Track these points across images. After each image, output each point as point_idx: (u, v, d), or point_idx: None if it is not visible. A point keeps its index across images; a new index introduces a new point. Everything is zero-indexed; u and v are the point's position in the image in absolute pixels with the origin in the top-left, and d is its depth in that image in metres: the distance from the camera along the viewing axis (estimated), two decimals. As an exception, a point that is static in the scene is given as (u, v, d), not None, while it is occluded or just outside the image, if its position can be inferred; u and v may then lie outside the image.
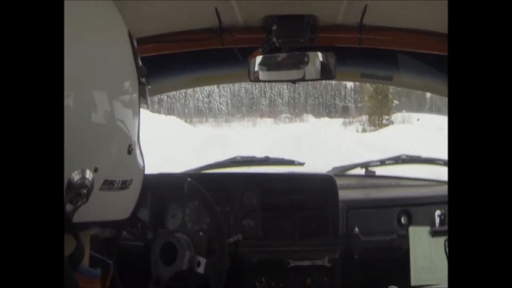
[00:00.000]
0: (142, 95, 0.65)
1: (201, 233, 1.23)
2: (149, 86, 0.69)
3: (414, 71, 1.44)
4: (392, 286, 1.24)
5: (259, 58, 1.25)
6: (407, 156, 1.85)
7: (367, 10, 1.12)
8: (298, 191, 1.48)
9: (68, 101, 0.52)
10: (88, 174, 0.55)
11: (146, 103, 0.68)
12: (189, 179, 1.22)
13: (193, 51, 1.31)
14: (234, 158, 1.86)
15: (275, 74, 1.26)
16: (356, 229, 1.40)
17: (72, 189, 0.53)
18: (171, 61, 1.37)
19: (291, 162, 1.85)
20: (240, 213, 1.47)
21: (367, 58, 1.41)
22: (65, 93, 0.51)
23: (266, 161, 1.86)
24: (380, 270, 1.38)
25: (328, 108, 49.23)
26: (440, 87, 1.40)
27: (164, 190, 1.44)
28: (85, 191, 0.54)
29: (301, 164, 1.83)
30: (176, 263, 1.14)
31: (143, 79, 0.65)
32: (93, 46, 0.56)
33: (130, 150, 0.61)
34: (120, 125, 0.60)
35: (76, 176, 0.54)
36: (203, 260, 1.15)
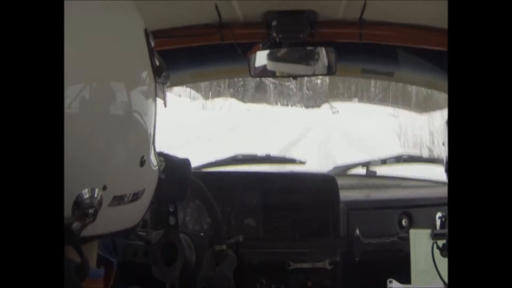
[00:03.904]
0: (160, 95, 0.63)
1: (201, 234, 1.23)
2: (168, 84, 0.66)
3: (415, 67, 1.43)
4: (391, 279, 1.23)
5: (259, 54, 1.24)
6: (408, 155, 1.85)
7: (367, 5, 1.11)
8: (300, 191, 1.47)
9: (77, 114, 0.50)
10: (97, 193, 0.53)
11: (164, 103, 0.65)
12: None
13: (193, 47, 1.31)
14: (235, 156, 1.86)
15: (275, 70, 1.26)
16: (357, 231, 1.39)
17: (79, 208, 0.52)
18: (171, 56, 1.36)
19: (292, 161, 1.85)
20: (241, 213, 1.46)
21: (368, 54, 1.41)
22: (74, 107, 0.50)
23: (267, 159, 1.86)
24: (381, 273, 1.37)
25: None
26: (440, 83, 1.39)
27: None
28: (93, 211, 0.52)
29: (302, 162, 1.83)
30: (176, 263, 1.13)
31: (162, 77, 0.63)
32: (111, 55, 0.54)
33: (142, 162, 0.59)
34: (134, 139, 0.57)
35: (84, 195, 0.52)
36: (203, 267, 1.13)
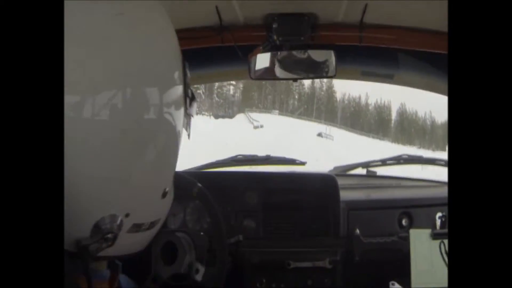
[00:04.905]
0: (186, 126, 0.63)
1: (202, 233, 1.23)
2: (194, 117, 0.66)
3: (415, 69, 1.43)
4: (393, 282, 1.23)
5: (259, 56, 1.25)
6: (408, 156, 1.84)
7: (367, 8, 1.11)
8: (300, 191, 1.47)
9: (114, 140, 0.51)
10: (118, 220, 0.54)
11: (188, 135, 0.65)
12: (189, 177, 1.21)
13: (193, 49, 1.31)
14: (235, 156, 1.86)
15: (275, 72, 1.26)
16: (357, 231, 1.39)
17: (99, 232, 0.53)
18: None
19: (292, 161, 1.85)
20: (241, 213, 1.46)
21: (368, 57, 1.40)
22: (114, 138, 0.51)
23: (267, 160, 1.85)
24: (381, 273, 1.37)
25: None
26: (441, 86, 1.39)
27: None
28: (112, 236, 0.54)
29: (302, 163, 1.82)
30: (176, 263, 1.13)
31: (190, 109, 0.63)
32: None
33: (165, 194, 0.60)
34: (160, 170, 0.58)
35: (106, 219, 0.53)
36: (202, 269, 1.14)
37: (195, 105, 0.65)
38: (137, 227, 0.58)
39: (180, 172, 1.21)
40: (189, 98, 0.62)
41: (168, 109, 0.57)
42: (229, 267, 1.19)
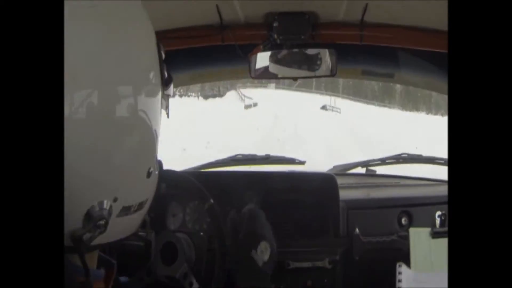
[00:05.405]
0: (164, 107, 0.64)
1: (201, 233, 1.23)
2: (172, 96, 0.68)
3: (416, 68, 1.43)
4: (400, 263, 1.23)
5: (260, 55, 1.24)
6: (408, 155, 1.85)
7: (368, 7, 1.11)
8: (299, 190, 1.47)
9: (84, 121, 0.51)
10: (107, 205, 0.55)
11: (167, 114, 0.67)
12: (189, 177, 1.21)
13: (194, 48, 1.31)
14: (235, 156, 1.86)
15: (276, 71, 1.26)
16: (357, 230, 1.39)
17: (91, 220, 0.53)
18: (172, 57, 1.36)
19: (291, 161, 1.85)
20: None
21: (368, 56, 1.40)
22: (81, 115, 0.50)
23: (266, 159, 1.85)
24: (381, 272, 1.37)
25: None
26: (441, 85, 1.39)
27: (164, 188, 1.43)
28: (104, 222, 0.54)
29: (302, 162, 1.83)
30: (176, 263, 1.14)
31: (168, 90, 0.64)
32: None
33: (149, 174, 0.61)
34: (143, 151, 0.59)
35: (95, 207, 0.54)
36: (195, 285, 1.14)
37: (172, 85, 0.66)
38: (126, 210, 0.58)
39: (196, 183, 1.21)
40: (165, 79, 0.63)
41: (145, 91, 0.58)
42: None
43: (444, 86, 1.37)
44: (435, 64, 1.34)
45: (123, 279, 1.02)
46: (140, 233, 1.22)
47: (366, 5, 1.10)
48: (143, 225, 1.23)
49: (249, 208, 1.27)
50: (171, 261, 1.14)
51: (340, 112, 30.02)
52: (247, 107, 27.84)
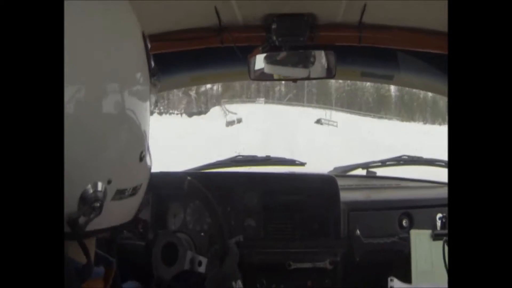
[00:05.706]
0: (152, 94, 0.66)
1: (202, 234, 1.23)
2: (159, 86, 0.69)
3: (415, 70, 1.43)
4: (392, 277, 1.23)
5: (259, 57, 1.24)
6: (408, 157, 1.85)
7: (366, 8, 1.11)
8: (300, 192, 1.48)
9: (83, 114, 0.52)
10: (101, 187, 0.55)
11: (155, 103, 0.69)
12: (189, 178, 1.21)
13: (192, 50, 1.31)
14: (235, 157, 1.86)
15: (275, 73, 1.26)
16: (358, 231, 1.39)
17: (86, 202, 0.54)
18: (170, 59, 1.37)
19: (292, 162, 1.85)
20: (241, 213, 1.46)
21: (367, 57, 1.40)
22: (80, 105, 0.51)
23: (267, 160, 1.86)
24: (381, 273, 1.37)
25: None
26: (441, 87, 1.39)
27: (165, 189, 1.43)
28: (98, 204, 0.55)
29: (302, 164, 1.83)
30: (177, 264, 1.13)
31: (154, 79, 0.66)
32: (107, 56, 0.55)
33: (142, 157, 0.62)
34: (133, 135, 0.60)
35: (89, 190, 0.54)
36: (204, 260, 1.14)
37: (157, 73, 0.68)
38: (120, 194, 0.59)
39: (197, 183, 1.21)
40: (152, 68, 0.65)
41: (134, 79, 0.59)
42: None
43: (444, 87, 1.37)
44: (434, 65, 1.34)
45: (127, 286, 1.01)
46: (141, 233, 1.23)
47: (365, 5, 1.10)
48: (143, 225, 1.23)
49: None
50: (172, 261, 1.14)
51: (337, 126, 28.15)
52: (229, 124, 25.64)
